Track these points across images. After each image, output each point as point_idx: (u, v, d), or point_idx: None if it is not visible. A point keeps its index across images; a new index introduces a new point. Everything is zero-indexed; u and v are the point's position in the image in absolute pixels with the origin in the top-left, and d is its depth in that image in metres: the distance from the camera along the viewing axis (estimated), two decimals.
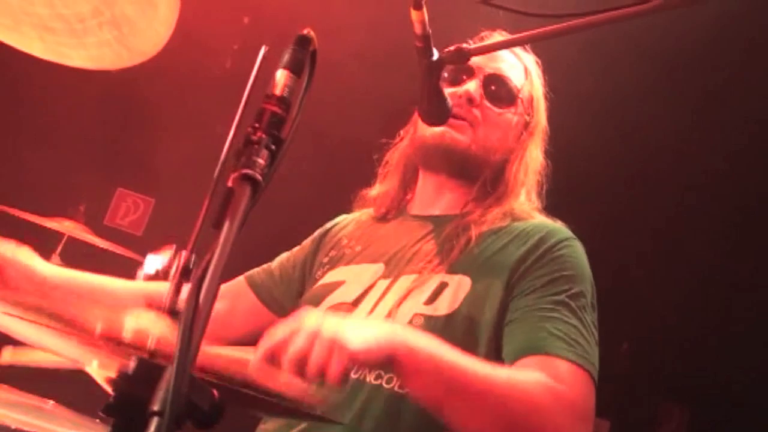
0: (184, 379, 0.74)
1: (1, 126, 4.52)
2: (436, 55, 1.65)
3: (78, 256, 3.30)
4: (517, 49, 1.93)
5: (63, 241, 3.21)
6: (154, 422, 0.74)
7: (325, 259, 1.94)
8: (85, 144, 4.45)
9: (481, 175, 1.83)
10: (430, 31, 1.63)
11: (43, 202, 3.73)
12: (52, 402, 2.46)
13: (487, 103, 1.84)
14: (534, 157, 1.90)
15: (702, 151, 3.87)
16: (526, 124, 1.90)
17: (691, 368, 4.35)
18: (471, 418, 1.40)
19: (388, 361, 1.32)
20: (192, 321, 0.77)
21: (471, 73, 1.86)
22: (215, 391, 0.82)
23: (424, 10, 1.61)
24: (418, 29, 1.62)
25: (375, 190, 2.00)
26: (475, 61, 1.85)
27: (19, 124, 4.55)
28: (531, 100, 1.92)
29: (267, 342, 1.24)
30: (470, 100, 1.82)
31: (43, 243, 3.28)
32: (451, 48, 1.68)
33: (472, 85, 1.84)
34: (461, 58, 1.71)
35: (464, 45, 1.68)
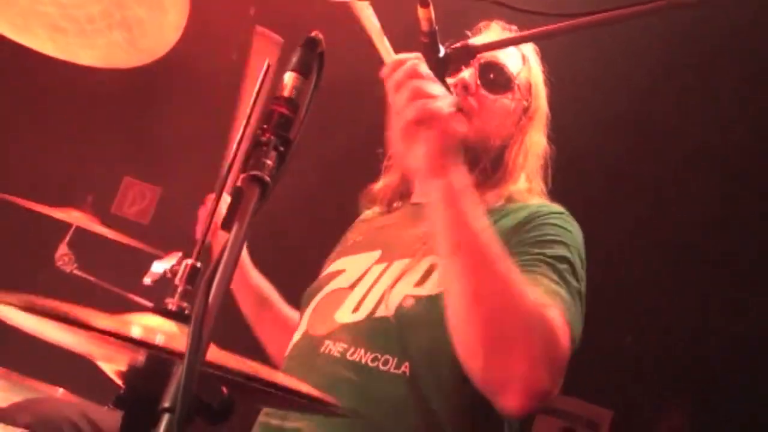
0: (194, 376, 0.76)
1: (9, 116, 4.54)
2: (442, 52, 1.67)
3: (86, 245, 3.32)
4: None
5: (71, 231, 3.23)
6: (165, 419, 0.76)
7: (332, 255, 1.98)
8: (91, 133, 4.47)
9: (479, 162, 1.83)
10: (437, 28, 1.64)
11: (51, 191, 3.75)
12: (62, 389, 2.49)
13: (483, 91, 1.84)
14: (535, 141, 1.89)
15: (698, 135, 3.87)
16: (525, 110, 1.89)
17: (695, 360, 4.37)
18: (470, 289, 1.40)
19: (442, 170, 1.44)
20: (202, 319, 0.79)
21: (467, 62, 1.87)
22: (224, 388, 0.85)
23: (431, 7, 1.63)
24: (424, 26, 1.63)
25: (379, 184, 2.03)
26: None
27: (26, 114, 4.56)
28: (529, 85, 1.91)
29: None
30: (465, 88, 1.83)
31: (51, 233, 3.31)
32: (458, 44, 1.69)
33: (467, 74, 1.84)
34: (468, 54, 1.72)
35: (470, 41, 1.70)
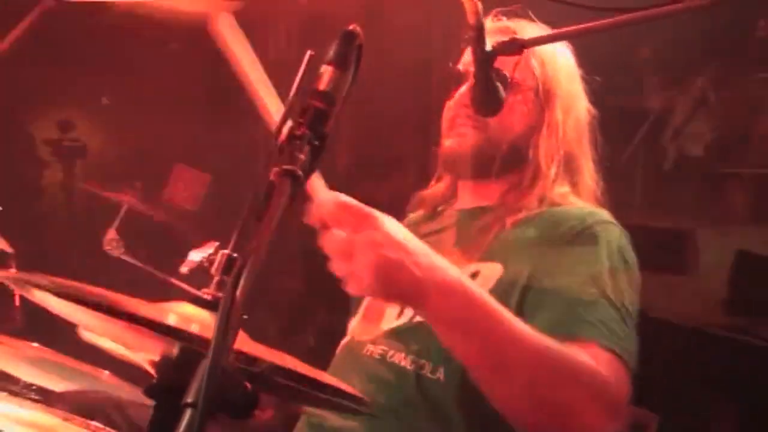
0: (217, 372, 0.76)
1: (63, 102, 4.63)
2: (489, 46, 1.64)
3: (135, 232, 3.38)
4: (512, 24, 1.82)
5: (120, 216, 3.29)
6: (187, 414, 0.76)
7: None
8: (142, 119, 4.54)
9: (504, 167, 1.80)
10: (484, 21, 1.61)
11: (101, 177, 3.82)
12: (107, 372, 2.53)
13: None
14: (556, 123, 1.81)
15: None
16: (535, 98, 1.82)
17: (744, 366, 4.27)
18: (501, 372, 1.36)
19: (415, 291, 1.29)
20: (228, 315, 0.79)
21: (463, 78, 1.83)
22: (248, 384, 0.84)
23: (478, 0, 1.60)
24: (471, 19, 1.60)
25: (429, 190, 2.01)
26: (465, 62, 1.83)
27: (79, 100, 4.64)
28: (532, 71, 1.83)
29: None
30: (465, 107, 1.79)
31: (100, 218, 3.37)
32: (505, 38, 1.66)
33: (463, 90, 1.81)
34: (515, 48, 1.68)
35: (518, 36, 1.66)
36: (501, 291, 1.61)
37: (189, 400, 0.76)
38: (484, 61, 1.65)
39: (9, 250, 2.60)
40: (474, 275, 1.66)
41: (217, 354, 0.76)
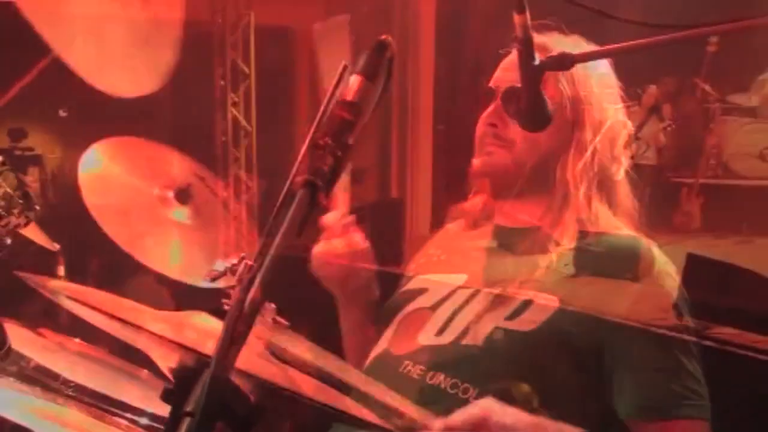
0: (219, 382, 0.74)
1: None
2: (537, 60, 1.60)
3: None
4: (544, 39, 1.75)
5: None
6: (186, 423, 0.75)
7: (412, 266, 1.95)
8: (194, 123, 4.60)
9: (531, 186, 1.77)
10: (533, 35, 1.58)
11: None
12: (146, 371, 2.54)
13: (512, 120, 1.74)
14: (585, 142, 1.76)
15: None
16: (563, 116, 1.74)
17: None
18: None
19: None
20: (234, 325, 0.77)
21: (492, 95, 1.79)
22: (251, 396, 0.83)
23: (527, 13, 1.56)
24: (519, 33, 1.57)
25: (467, 204, 1.98)
26: (497, 79, 1.79)
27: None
28: (559, 88, 1.75)
29: None
30: (493, 125, 1.76)
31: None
32: (554, 53, 1.62)
33: (490, 109, 1.77)
34: (564, 63, 1.64)
35: (567, 50, 1.62)
36: (556, 325, 1.60)
37: (188, 409, 0.75)
38: (532, 75, 1.62)
39: (54, 247, 2.63)
40: (527, 304, 1.64)
41: (219, 364, 0.74)
